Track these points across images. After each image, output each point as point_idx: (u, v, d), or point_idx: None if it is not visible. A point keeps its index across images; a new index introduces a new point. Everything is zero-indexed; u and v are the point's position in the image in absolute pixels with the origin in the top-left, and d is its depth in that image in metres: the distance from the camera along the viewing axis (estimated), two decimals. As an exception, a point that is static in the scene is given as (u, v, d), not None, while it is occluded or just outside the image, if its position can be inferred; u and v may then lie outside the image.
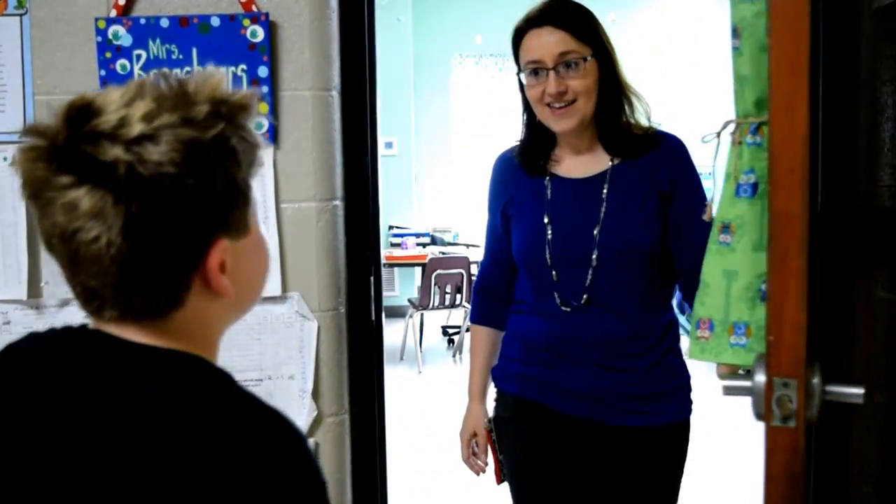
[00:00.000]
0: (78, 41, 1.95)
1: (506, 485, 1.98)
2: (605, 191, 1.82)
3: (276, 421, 0.87)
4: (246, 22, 1.91)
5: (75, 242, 0.82)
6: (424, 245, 8.07)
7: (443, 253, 7.40)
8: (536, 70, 1.78)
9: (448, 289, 6.65)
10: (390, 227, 8.29)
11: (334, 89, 2.00)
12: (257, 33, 1.91)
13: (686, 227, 1.78)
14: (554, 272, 1.84)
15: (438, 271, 6.58)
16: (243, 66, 1.92)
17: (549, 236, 1.84)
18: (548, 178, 1.88)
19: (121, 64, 1.93)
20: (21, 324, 1.99)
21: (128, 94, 0.84)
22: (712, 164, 1.51)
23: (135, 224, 0.81)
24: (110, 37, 1.92)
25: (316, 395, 2.02)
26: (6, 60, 1.95)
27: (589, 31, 1.78)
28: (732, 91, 1.46)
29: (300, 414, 2.01)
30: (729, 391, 1.41)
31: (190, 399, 0.84)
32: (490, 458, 2.02)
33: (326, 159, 1.99)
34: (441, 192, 9.63)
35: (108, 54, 1.93)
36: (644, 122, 1.85)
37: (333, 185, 2.01)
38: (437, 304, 6.68)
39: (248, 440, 0.83)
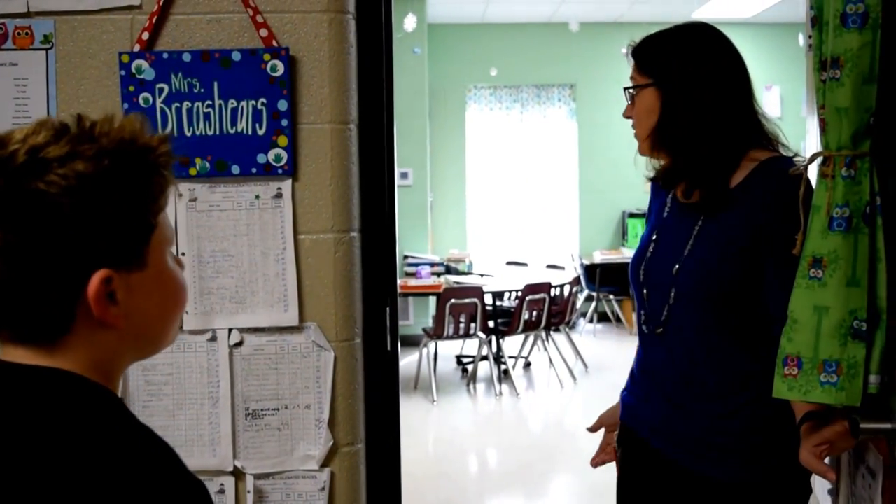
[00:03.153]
0: (102, 75, 1.99)
1: None
2: (696, 228, 1.77)
3: (140, 446, 0.88)
4: (266, 56, 1.95)
5: None
6: (439, 274, 8.08)
7: (457, 283, 7.40)
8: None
9: (462, 318, 6.65)
10: (405, 257, 8.32)
11: (352, 122, 2.03)
12: (277, 68, 1.95)
13: (779, 271, 1.65)
14: (644, 291, 1.83)
15: (453, 301, 6.59)
16: (263, 100, 1.95)
17: (649, 255, 1.85)
18: (670, 195, 1.87)
19: (143, 97, 1.97)
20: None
21: (29, 129, 0.89)
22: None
23: (10, 250, 0.86)
24: (133, 71, 1.96)
25: (332, 424, 2.03)
26: (32, 93, 2.00)
27: (652, 61, 1.82)
28: (819, 122, 1.44)
29: (316, 443, 2.02)
30: (866, 433, 1.38)
31: (54, 411, 0.87)
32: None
33: (344, 191, 2.01)
34: (455, 221, 9.67)
35: (132, 88, 1.97)
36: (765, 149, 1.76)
37: (351, 217, 2.03)
38: (451, 333, 6.68)
39: (104, 459, 0.85)
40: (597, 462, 2.06)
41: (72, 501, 0.82)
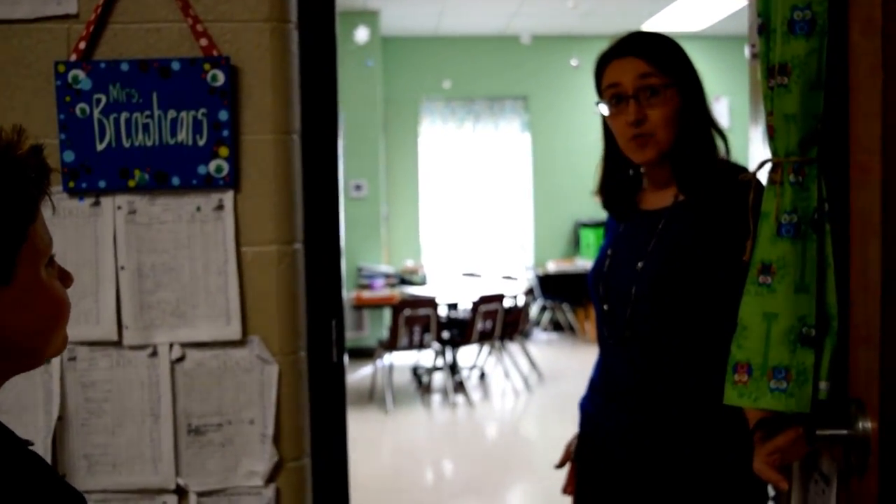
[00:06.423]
0: (38, 85, 1.94)
1: None
2: (659, 226, 1.77)
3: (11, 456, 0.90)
4: (206, 66, 1.92)
5: None
6: (393, 286, 8.05)
7: (411, 294, 7.38)
8: (618, 98, 1.76)
9: (416, 329, 6.63)
10: (359, 269, 8.27)
11: (295, 133, 2.01)
12: (218, 77, 1.92)
13: (730, 277, 1.65)
14: (605, 302, 1.83)
15: (407, 312, 6.57)
16: (204, 110, 1.92)
17: (606, 267, 1.84)
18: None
19: (80, 108, 1.92)
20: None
21: None
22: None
23: None
24: (70, 81, 1.92)
25: (277, 439, 1.99)
26: (-36, 104, 1.94)
27: (671, 61, 1.75)
28: (767, 129, 1.45)
29: (261, 459, 1.98)
30: (821, 440, 1.37)
31: None
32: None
33: (287, 203, 1.99)
34: (410, 233, 9.65)
35: (68, 98, 1.92)
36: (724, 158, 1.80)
37: (294, 229, 2.00)
38: (406, 344, 6.66)
39: None
40: (571, 490, 1.99)
41: None
